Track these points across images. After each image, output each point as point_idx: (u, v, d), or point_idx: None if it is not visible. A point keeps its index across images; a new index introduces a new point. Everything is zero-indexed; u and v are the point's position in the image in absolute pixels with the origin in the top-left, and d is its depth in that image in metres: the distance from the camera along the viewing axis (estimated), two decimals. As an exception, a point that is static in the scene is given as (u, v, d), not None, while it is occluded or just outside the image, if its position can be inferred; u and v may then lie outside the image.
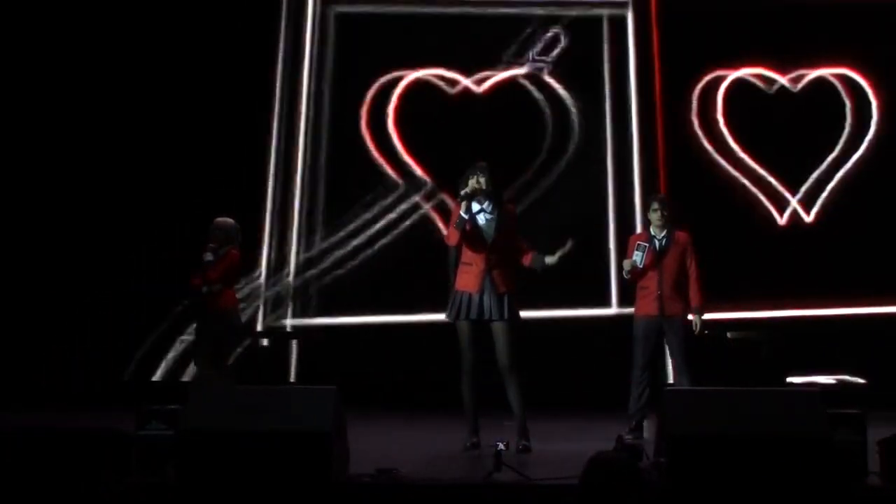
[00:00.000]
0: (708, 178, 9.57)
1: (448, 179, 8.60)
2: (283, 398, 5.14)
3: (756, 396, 5.33)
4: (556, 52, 9.79)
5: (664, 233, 6.93)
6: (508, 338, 6.25)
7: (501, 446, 5.57)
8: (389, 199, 9.58)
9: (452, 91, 9.74)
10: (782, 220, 9.64)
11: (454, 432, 6.58)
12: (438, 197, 9.51)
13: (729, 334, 8.94)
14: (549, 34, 9.79)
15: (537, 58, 9.77)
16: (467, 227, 6.24)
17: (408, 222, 9.58)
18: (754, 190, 9.68)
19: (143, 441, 5.24)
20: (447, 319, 6.36)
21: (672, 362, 7.21)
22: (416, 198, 9.56)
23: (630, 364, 6.98)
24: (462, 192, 6.26)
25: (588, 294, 9.38)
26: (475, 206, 6.29)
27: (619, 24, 9.90)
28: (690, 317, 6.93)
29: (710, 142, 9.74)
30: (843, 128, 9.75)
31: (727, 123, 9.78)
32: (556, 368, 8.72)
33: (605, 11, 9.90)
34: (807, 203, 9.71)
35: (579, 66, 9.79)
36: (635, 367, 6.94)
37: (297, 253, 9.55)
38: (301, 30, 9.74)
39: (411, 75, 9.71)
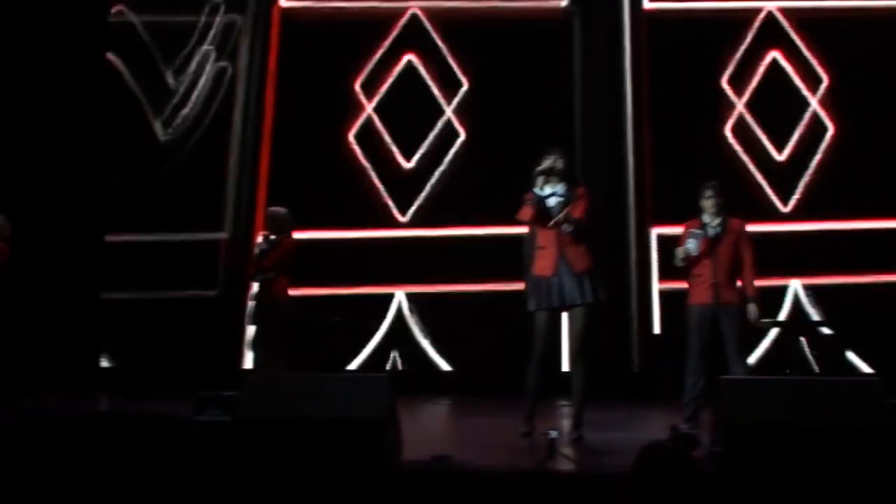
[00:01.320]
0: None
1: None
2: (338, 385, 5.17)
3: (813, 385, 5.26)
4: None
5: (718, 220, 6.84)
6: (584, 323, 6.25)
7: (555, 434, 5.56)
8: None
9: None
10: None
11: (508, 419, 6.58)
12: None
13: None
14: None
15: None
16: (539, 207, 6.23)
17: None
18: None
19: (200, 427, 5.32)
20: (529, 309, 6.34)
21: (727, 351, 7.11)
22: None
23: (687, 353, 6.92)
24: (537, 170, 6.27)
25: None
26: (548, 189, 6.27)
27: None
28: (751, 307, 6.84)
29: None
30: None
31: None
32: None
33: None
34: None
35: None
36: (690, 355, 6.86)
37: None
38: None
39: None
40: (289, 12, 10.33)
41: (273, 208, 7.67)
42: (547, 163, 6.29)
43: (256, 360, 7.51)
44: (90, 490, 4.34)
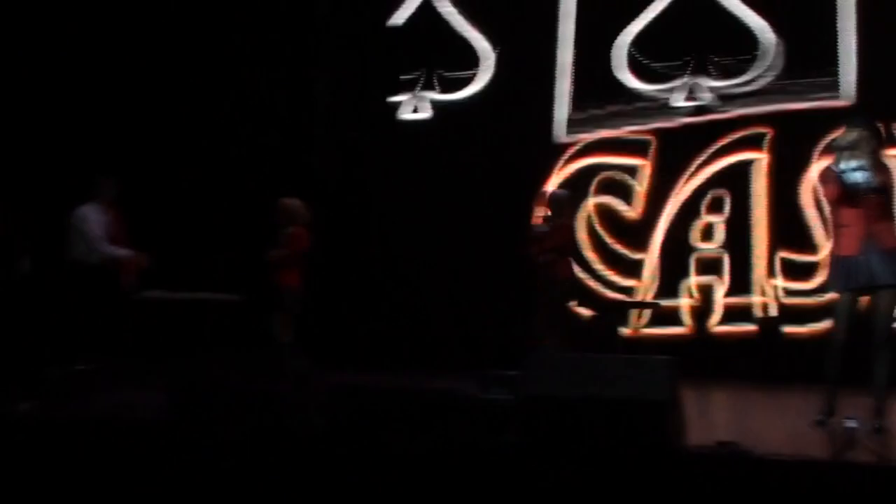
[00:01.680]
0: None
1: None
2: (620, 366, 5.14)
3: None
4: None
5: None
6: (893, 305, 5.87)
7: (854, 423, 5.27)
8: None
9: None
10: None
11: (802, 406, 6.31)
12: None
13: None
14: None
15: None
16: (844, 183, 5.89)
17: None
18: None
19: (485, 405, 5.45)
20: (830, 290, 6.03)
21: None
22: None
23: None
24: (837, 143, 5.98)
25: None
26: (853, 163, 5.91)
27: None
28: None
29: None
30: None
31: None
32: None
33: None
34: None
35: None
36: None
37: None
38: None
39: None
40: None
41: (554, 190, 7.74)
42: (850, 136, 5.91)
43: (539, 340, 7.60)
44: None
